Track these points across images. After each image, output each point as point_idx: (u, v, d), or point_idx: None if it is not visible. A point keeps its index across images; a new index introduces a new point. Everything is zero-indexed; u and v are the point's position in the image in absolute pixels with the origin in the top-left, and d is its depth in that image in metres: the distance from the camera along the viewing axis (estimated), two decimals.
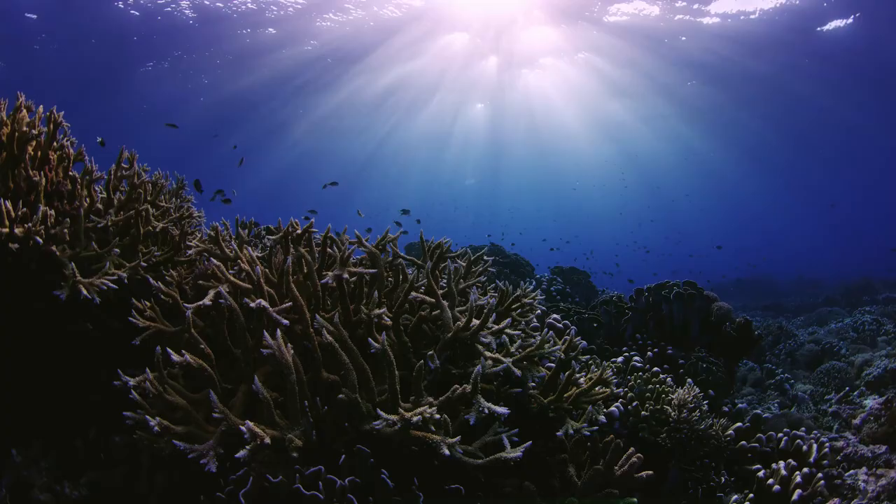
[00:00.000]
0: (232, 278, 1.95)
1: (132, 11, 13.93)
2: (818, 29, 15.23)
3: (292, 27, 15.27)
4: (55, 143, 2.33)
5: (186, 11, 14.42)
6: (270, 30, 15.31)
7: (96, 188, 2.42)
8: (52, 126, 2.30)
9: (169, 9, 14.12)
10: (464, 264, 2.55)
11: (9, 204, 1.88)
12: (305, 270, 2.13)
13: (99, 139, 2.68)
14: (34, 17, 13.86)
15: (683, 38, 15.92)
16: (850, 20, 14.77)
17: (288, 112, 21.86)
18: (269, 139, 24.39)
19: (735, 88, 19.45)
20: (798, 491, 2.54)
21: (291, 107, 21.36)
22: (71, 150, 2.40)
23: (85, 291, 1.87)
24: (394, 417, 1.59)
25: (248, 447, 1.48)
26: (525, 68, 18.81)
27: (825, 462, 2.89)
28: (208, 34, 15.34)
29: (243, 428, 1.49)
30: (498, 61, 18.00)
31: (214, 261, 2.03)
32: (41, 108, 2.30)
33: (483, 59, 17.84)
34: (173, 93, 18.55)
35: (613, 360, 3.68)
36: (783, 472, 2.65)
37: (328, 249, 2.25)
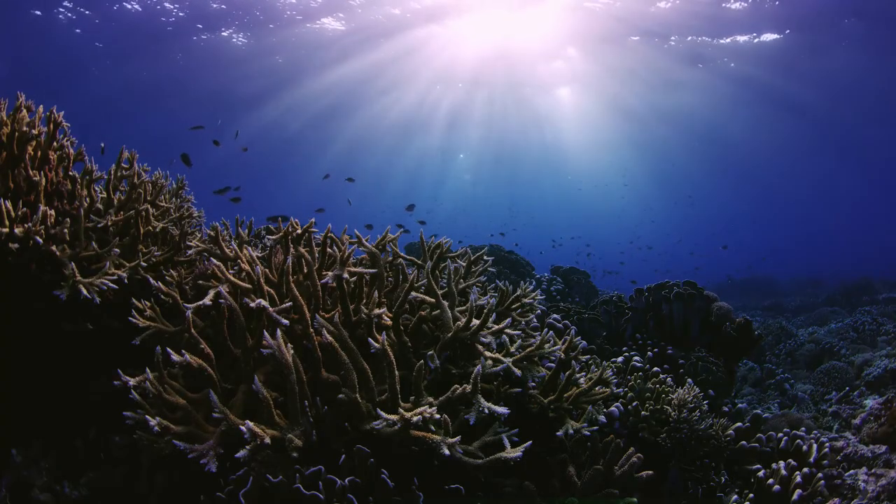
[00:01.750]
0: (232, 278, 1.95)
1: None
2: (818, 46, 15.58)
3: (323, 53, 16.20)
4: (55, 143, 2.33)
5: (238, 42, 14.89)
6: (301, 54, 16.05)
7: (96, 188, 2.42)
8: (52, 126, 2.31)
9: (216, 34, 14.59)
10: (464, 264, 2.55)
11: (9, 204, 1.89)
12: (305, 270, 2.13)
13: (101, 145, 2.69)
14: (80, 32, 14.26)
15: (689, 58, 16.45)
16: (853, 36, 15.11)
17: (309, 128, 22.95)
18: (287, 150, 25.20)
19: (734, 100, 19.90)
20: (798, 491, 2.54)
21: (311, 123, 22.43)
22: (71, 150, 2.40)
23: (85, 291, 1.87)
24: (394, 417, 1.59)
25: (248, 447, 1.48)
26: (531, 77, 19.13)
27: (825, 462, 2.89)
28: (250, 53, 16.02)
29: (243, 428, 1.49)
30: (504, 70, 18.31)
31: (214, 261, 2.03)
32: (41, 108, 2.30)
33: (490, 68, 18.24)
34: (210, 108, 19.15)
35: (613, 360, 3.68)
36: (783, 471, 2.65)
37: (328, 249, 2.25)
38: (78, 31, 14.64)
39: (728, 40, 16.04)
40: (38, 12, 13.60)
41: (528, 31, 15.55)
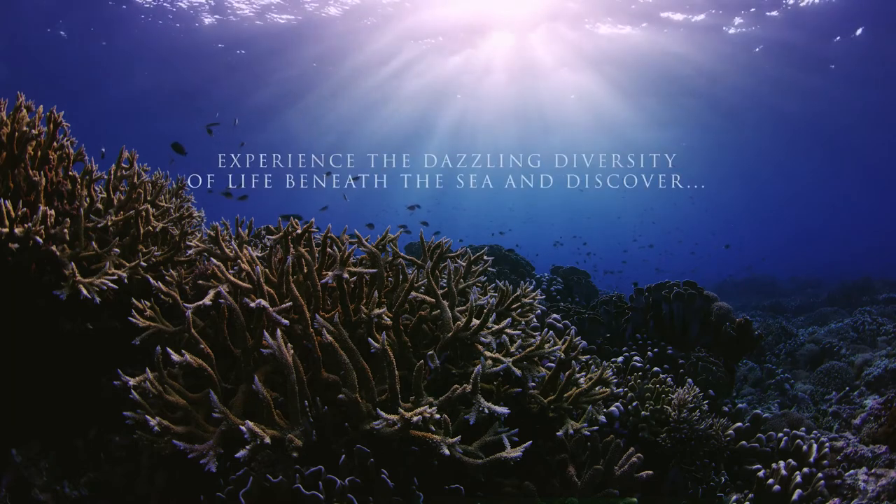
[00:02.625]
0: (232, 278, 1.95)
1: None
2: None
3: (333, 49, 16.22)
4: (55, 143, 2.33)
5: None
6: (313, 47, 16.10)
7: (96, 188, 2.42)
8: (52, 126, 2.31)
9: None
10: (464, 264, 2.55)
11: (9, 204, 1.89)
12: (305, 270, 2.13)
13: (102, 150, 2.70)
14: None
15: (686, 51, 16.67)
16: (859, 32, 15.17)
17: (315, 128, 23.19)
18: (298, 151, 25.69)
19: (730, 99, 20.08)
20: (798, 491, 2.54)
21: (318, 124, 22.60)
22: (71, 150, 2.40)
23: (85, 291, 1.87)
24: (394, 417, 1.59)
25: (248, 447, 1.48)
26: (532, 74, 19.28)
27: (825, 462, 2.88)
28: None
29: (243, 428, 1.49)
30: (507, 68, 18.47)
31: (214, 261, 2.03)
32: (41, 108, 2.30)
33: (490, 74, 18.41)
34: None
35: (613, 360, 3.68)
36: (783, 471, 2.65)
37: (328, 249, 2.25)
38: (91, 29, 14.67)
39: (729, 51, 16.27)
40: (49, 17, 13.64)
41: (536, 42, 15.78)
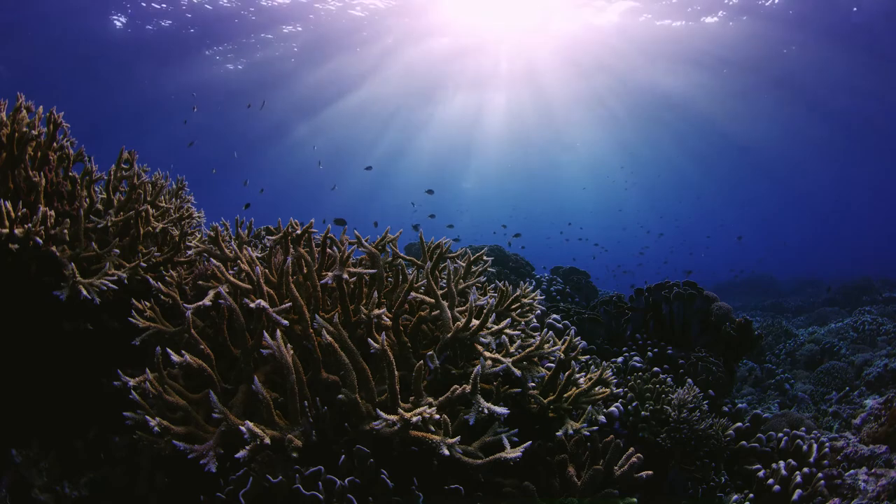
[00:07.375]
0: (232, 279, 1.95)
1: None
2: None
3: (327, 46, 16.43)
4: (55, 144, 2.33)
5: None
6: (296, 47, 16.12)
7: (96, 188, 2.42)
8: (51, 126, 2.31)
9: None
10: (463, 264, 2.55)
11: (9, 204, 1.89)
12: (305, 271, 2.13)
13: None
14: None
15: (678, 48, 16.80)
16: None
17: (304, 124, 23.28)
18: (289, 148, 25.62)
19: (733, 104, 20.25)
20: (798, 491, 2.54)
21: (307, 120, 22.71)
22: (71, 151, 2.40)
23: (85, 291, 1.87)
24: (393, 418, 1.59)
25: (247, 447, 1.48)
26: (529, 74, 19.39)
27: (825, 462, 2.88)
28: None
29: (243, 428, 1.49)
30: (506, 67, 18.58)
31: (214, 261, 2.03)
32: (41, 109, 2.30)
33: (486, 70, 18.55)
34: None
35: (613, 360, 3.68)
36: (783, 471, 2.65)
37: (328, 250, 2.25)
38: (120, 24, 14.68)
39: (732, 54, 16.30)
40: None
41: (530, 46, 15.88)
